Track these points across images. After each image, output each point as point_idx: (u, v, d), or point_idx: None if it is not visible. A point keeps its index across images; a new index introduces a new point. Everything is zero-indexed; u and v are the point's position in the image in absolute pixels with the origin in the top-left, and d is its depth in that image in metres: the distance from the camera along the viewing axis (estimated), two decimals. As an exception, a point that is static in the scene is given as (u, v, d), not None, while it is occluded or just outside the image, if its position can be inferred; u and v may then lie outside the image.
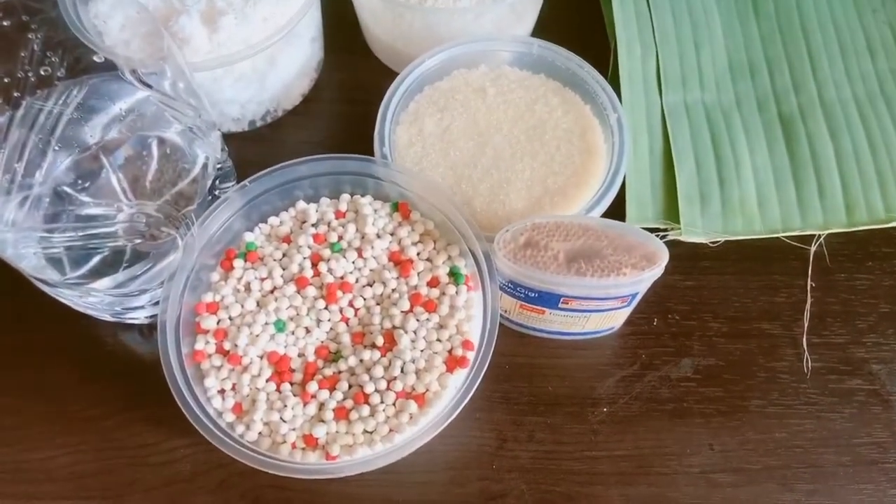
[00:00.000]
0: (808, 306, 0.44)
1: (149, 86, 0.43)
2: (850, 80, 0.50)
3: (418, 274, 0.38)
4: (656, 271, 0.36)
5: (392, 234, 0.40)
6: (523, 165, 0.44)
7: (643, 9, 0.52)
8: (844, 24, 0.52)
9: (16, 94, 0.39)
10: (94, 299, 0.42)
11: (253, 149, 0.50)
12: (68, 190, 0.44)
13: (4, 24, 0.36)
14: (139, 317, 0.44)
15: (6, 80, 0.38)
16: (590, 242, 0.37)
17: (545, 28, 0.53)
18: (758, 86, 0.50)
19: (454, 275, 0.38)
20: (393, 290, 0.38)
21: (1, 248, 0.41)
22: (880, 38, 0.51)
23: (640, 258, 0.37)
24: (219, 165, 0.45)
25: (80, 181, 0.44)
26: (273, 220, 0.41)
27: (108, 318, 0.44)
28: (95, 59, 0.40)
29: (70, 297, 0.42)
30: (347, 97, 0.53)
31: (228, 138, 0.50)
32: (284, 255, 0.39)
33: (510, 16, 0.50)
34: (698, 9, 0.52)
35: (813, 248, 0.45)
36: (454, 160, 0.44)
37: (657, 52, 0.50)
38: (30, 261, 0.42)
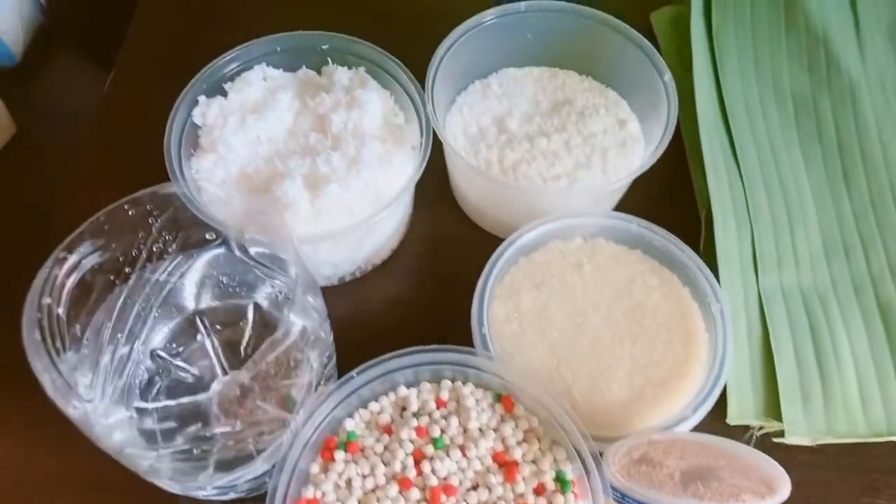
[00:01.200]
0: (911, 511, 0.43)
1: (247, 252, 0.43)
2: None
3: (524, 479, 0.37)
4: (777, 500, 0.35)
5: (495, 431, 0.39)
6: (623, 351, 0.43)
7: (736, 182, 0.52)
8: None
9: (127, 270, 0.39)
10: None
11: (341, 303, 0.50)
12: (164, 354, 0.43)
13: (130, 213, 0.36)
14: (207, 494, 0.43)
15: (121, 259, 0.38)
16: (707, 462, 0.36)
17: (633, 195, 0.53)
18: (853, 267, 0.49)
19: (561, 481, 0.37)
20: (498, 498, 0.37)
21: (93, 419, 0.40)
22: None
23: (759, 482, 0.36)
24: (312, 336, 0.45)
25: (175, 346, 0.44)
26: (373, 405, 0.40)
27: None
28: (207, 236, 0.40)
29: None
30: (434, 251, 0.53)
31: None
32: (386, 448, 0.39)
33: (603, 188, 0.50)
34: (790, 182, 0.52)
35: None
36: (552, 341, 0.44)
37: (752, 230, 0.50)
38: (123, 431, 0.41)
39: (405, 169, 0.48)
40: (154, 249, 0.39)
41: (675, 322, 0.45)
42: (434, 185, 0.53)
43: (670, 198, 0.54)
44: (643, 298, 0.45)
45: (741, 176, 0.52)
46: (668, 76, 0.49)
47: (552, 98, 0.54)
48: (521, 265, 0.47)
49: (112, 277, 0.38)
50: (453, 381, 0.41)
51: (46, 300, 0.33)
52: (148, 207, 0.37)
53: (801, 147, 0.54)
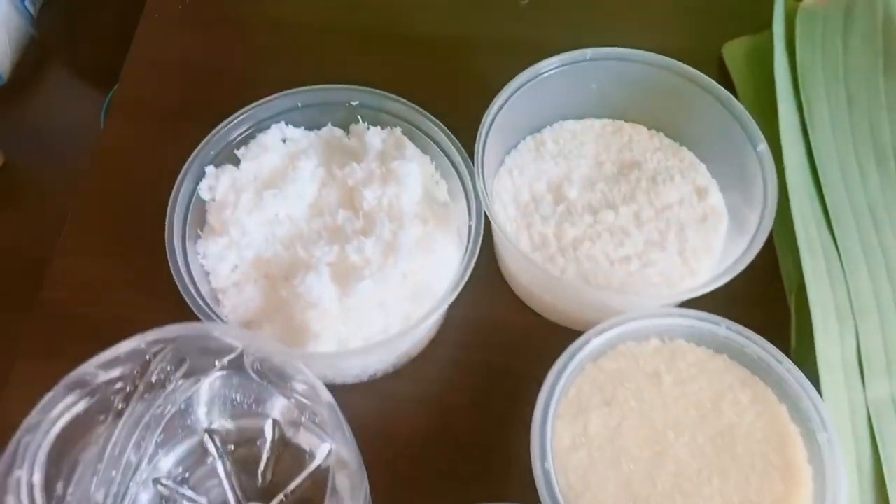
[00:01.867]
0: None
1: (262, 372, 0.36)
2: None
3: None
4: None
5: None
6: (712, 489, 0.37)
7: (835, 264, 0.44)
8: None
9: (119, 406, 0.32)
10: None
11: (367, 404, 0.43)
12: (167, 483, 0.37)
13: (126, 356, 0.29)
14: None
15: (112, 398, 0.31)
16: None
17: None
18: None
19: None
20: None
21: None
22: None
23: None
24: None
25: (182, 470, 0.37)
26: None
27: None
28: (217, 363, 0.33)
29: None
30: (478, 341, 0.46)
31: (342, 390, 0.43)
32: None
33: (680, 268, 0.43)
34: (894, 253, 0.45)
35: None
36: (628, 475, 0.37)
37: (856, 326, 0.43)
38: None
39: (450, 255, 0.41)
40: (154, 380, 0.32)
41: (771, 450, 0.38)
42: (479, 263, 0.45)
43: (749, 286, 0.46)
44: (734, 420, 0.38)
45: (839, 256, 0.45)
46: (763, 146, 0.42)
47: (618, 158, 0.47)
48: (589, 374, 0.40)
49: (102, 417, 0.32)
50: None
51: (17, 474, 0.27)
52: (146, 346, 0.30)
53: (908, 216, 0.47)
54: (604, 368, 0.40)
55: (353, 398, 0.43)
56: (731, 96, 0.43)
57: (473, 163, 0.41)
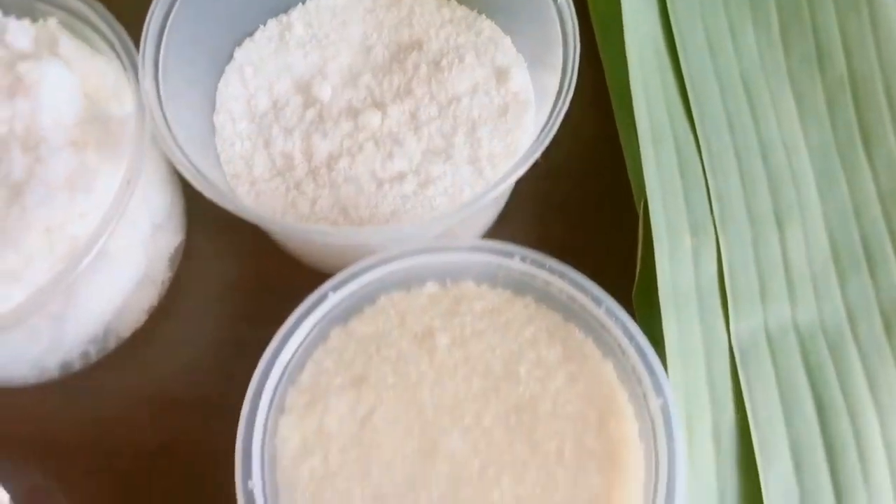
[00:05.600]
0: None
1: None
2: None
3: None
4: None
5: None
6: (502, 494, 0.26)
7: (691, 157, 0.33)
8: None
9: None
10: None
11: (62, 414, 0.32)
12: None
13: None
14: None
15: None
16: None
17: (531, 196, 0.35)
18: (881, 284, 0.32)
19: None
20: None
21: None
22: None
23: None
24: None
25: None
26: None
27: None
28: None
29: None
30: (224, 305, 0.34)
31: (17, 398, 0.32)
32: None
33: (472, 181, 0.32)
34: (776, 150, 0.34)
35: None
36: (379, 487, 0.26)
37: (717, 241, 0.32)
38: None
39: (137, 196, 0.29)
40: None
41: (588, 428, 0.27)
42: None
43: (592, 196, 0.36)
44: (536, 389, 0.28)
45: (699, 147, 0.34)
46: (570, 8, 0.30)
47: (392, 39, 0.35)
48: (333, 344, 0.29)
49: None
50: None
51: None
52: None
53: (793, 86, 0.36)
54: (354, 333, 0.29)
55: (32, 399, 0.32)
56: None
57: (138, 55, 0.29)
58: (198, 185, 0.28)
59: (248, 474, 0.26)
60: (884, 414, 0.29)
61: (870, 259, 0.32)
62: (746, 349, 0.30)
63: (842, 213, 0.33)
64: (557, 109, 0.29)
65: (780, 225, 0.33)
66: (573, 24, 0.30)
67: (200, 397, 0.32)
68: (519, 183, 0.32)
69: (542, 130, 0.28)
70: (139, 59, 0.29)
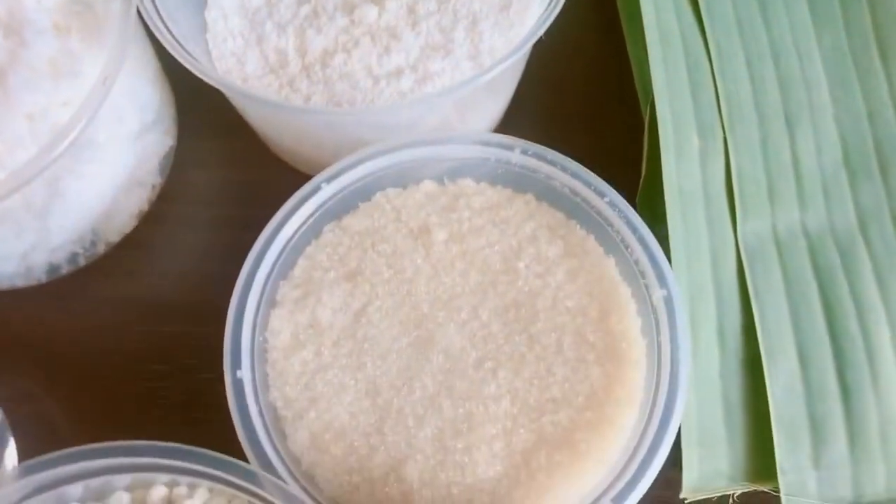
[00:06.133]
0: None
1: None
2: None
3: None
4: None
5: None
6: (498, 387, 0.26)
7: (700, 60, 0.32)
8: None
9: None
10: None
11: (51, 320, 0.32)
12: None
13: None
14: None
15: None
16: None
17: (535, 103, 0.34)
18: (894, 188, 0.30)
19: None
20: None
21: None
22: None
23: None
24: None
25: None
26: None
27: None
28: None
29: None
30: (216, 214, 0.33)
31: (5, 302, 0.32)
32: None
33: (478, 96, 0.30)
34: (789, 56, 0.33)
35: None
36: (372, 380, 0.26)
37: (726, 143, 0.31)
38: None
39: (125, 84, 0.28)
40: None
41: (589, 325, 0.26)
42: (216, 104, 0.32)
43: (600, 101, 0.35)
44: (535, 284, 0.27)
45: (708, 50, 0.32)
46: None
47: (392, -66, 0.34)
48: (326, 239, 0.28)
49: None
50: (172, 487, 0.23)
51: None
52: None
53: (809, -5, 0.34)
54: (348, 229, 0.28)
55: (21, 304, 0.32)
56: None
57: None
58: (182, 58, 0.28)
59: (237, 364, 0.25)
60: (893, 315, 0.28)
61: (882, 163, 0.31)
62: (754, 251, 0.29)
63: (854, 117, 0.32)
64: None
65: (790, 128, 0.31)
66: None
67: (192, 302, 0.32)
68: (525, 89, 0.31)
69: (541, 16, 0.27)
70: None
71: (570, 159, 0.27)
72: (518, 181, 0.28)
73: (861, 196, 0.31)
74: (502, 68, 0.27)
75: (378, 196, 0.29)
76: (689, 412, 0.26)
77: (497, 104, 0.32)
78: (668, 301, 0.25)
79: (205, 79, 0.28)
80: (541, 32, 0.27)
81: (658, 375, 0.25)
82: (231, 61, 0.32)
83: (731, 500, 0.27)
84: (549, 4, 0.27)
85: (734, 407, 0.27)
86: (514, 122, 0.34)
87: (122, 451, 0.21)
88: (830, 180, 0.31)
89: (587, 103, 0.35)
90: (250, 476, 0.21)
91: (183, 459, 0.21)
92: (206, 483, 0.22)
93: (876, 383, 0.27)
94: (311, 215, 0.27)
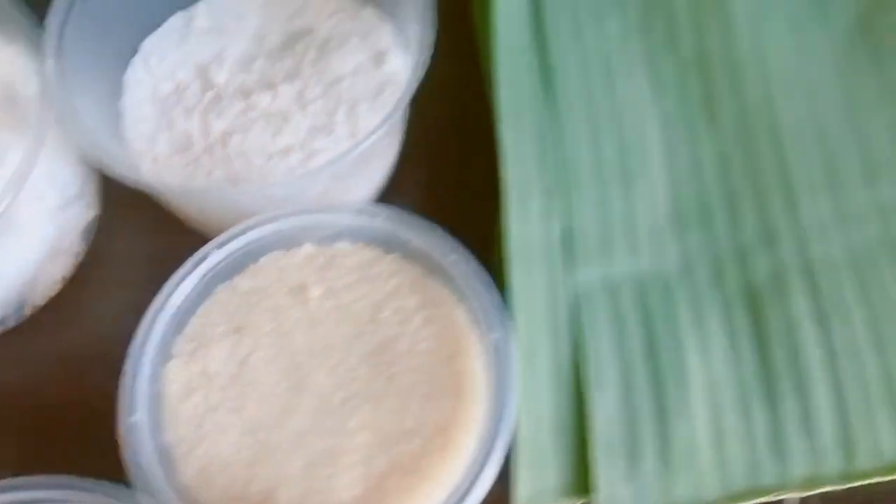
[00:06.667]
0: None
1: None
2: (842, 224, 0.36)
3: None
4: None
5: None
6: (359, 422, 0.30)
7: (551, 129, 0.37)
8: (832, 129, 0.38)
9: None
10: None
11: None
12: None
13: None
14: None
15: None
16: None
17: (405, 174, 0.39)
18: (714, 239, 0.36)
19: None
20: None
21: None
22: (883, 147, 0.37)
23: None
24: None
25: None
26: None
27: None
28: None
29: None
30: (133, 277, 0.38)
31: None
32: None
33: (353, 167, 0.35)
34: (629, 120, 0.38)
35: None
36: (253, 420, 0.30)
37: (568, 201, 0.36)
38: None
39: (43, 171, 0.33)
40: None
41: (439, 365, 0.31)
42: None
43: (470, 165, 0.39)
44: (395, 331, 0.32)
45: (557, 118, 0.37)
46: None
47: (286, 28, 0.39)
48: (218, 298, 0.33)
49: None
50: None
51: None
52: None
53: (651, 67, 0.39)
54: (237, 289, 0.33)
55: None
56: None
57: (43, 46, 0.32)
58: (94, 155, 0.32)
59: (131, 411, 0.29)
60: (706, 349, 0.33)
61: (705, 216, 0.36)
62: (587, 295, 0.34)
63: (684, 175, 0.37)
64: (409, 84, 0.32)
65: (626, 185, 0.36)
66: (432, 8, 0.34)
67: (112, 356, 0.36)
68: (405, 160, 0.36)
69: (397, 102, 0.32)
70: (44, 46, 0.33)
71: (426, 223, 0.32)
72: (386, 243, 0.33)
73: (686, 245, 0.36)
74: (370, 142, 0.32)
75: (264, 259, 0.33)
76: (522, 436, 0.31)
77: (375, 175, 0.37)
78: (501, 343, 0.30)
79: (111, 174, 0.32)
80: (400, 108, 0.32)
81: (494, 407, 0.30)
82: (143, 142, 0.37)
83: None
84: (404, 93, 0.32)
85: (564, 431, 0.32)
86: (397, 189, 0.39)
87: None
88: (659, 232, 0.36)
89: (459, 168, 0.40)
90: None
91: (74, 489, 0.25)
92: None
93: (686, 407, 0.32)
94: (203, 277, 0.32)
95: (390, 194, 0.39)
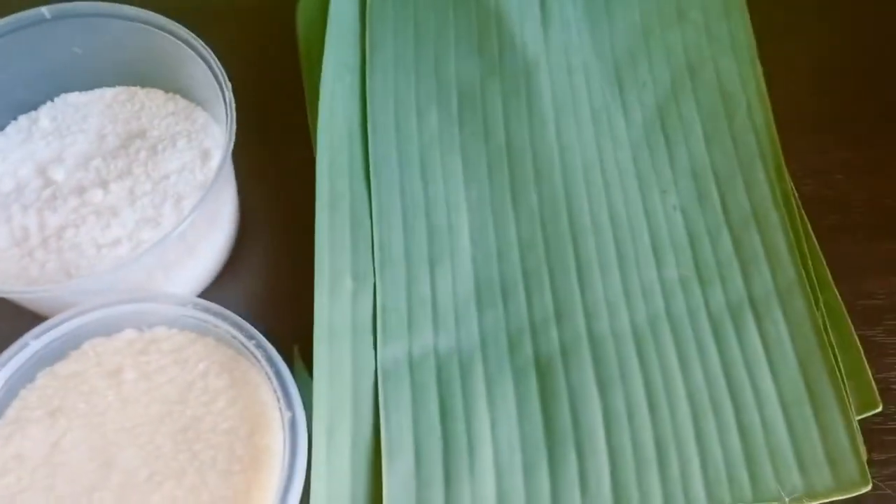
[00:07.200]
0: None
1: None
2: (627, 301, 0.40)
3: None
4: None
5: None
6: (162, 496, 0.33)
7: (363, 219, 0.41)
8: (624, 214, 0.42)
9: None
10: None
11: None
12: None
13: None
14: None
15: None
16: None
17: (240, 259, 0.43)
18: (511, 314, 0.40)
19: None
20: None
21: None
22: (669, 231, 0.42)
23: None
24: None
25: None
26: None
27: None
28: None
29: None
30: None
31: None
32: None
33: (177, 254, 0.38)
34: (439, 208, 0.42)
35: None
36: (62, 497, 0.33)
37: (376, 284, 0.39)
38: None
39: None
40: None
41: (239, 440, 0.34)
42: None
43: (290, 251, 0.43)
44: (201, 411, 0.35)
45: (370, 209, 0.41)
46: (229, 94, 0.38)
47: (124, 129, 0.42)
48: (39, 384, 0.35)
49: None
50: None
51: None
52: None
53: (463, 157, 0.44)
54: (58, 374, 0.35)
55: None
56: (197, 39, 0.39)
57: None
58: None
59: (-61, 493, 0.32)
60: (495, 417, 0.37)
61: (504, 293, 0.40)
62: (389, 370, 0.38)
63: (487, 256, 0.41)
64: (209, 193, 0.36)
65: (432, 267, 0.40)
66: (232, 120, 0.37)
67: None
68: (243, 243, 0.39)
69: (207, 192, 0.36)
70: None
71: (228, 312, 0.35)
72: (200, 328, 0.36)
73: (485, 320, 0.39)
74: (183, 227, 0.35)
75: (86, 344, 0.36)
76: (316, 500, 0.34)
77: (199, 264, 0.40)
78: (293, 421, 0.33)
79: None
80: (211, 200, 0.36)
81: (286, 476, 0.33)
82: (-18, 236, 0.40)
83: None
84: (198, 200, 0.36)
85: (359, 498, 0.35)
86: (232, 271, 0.43)
87: None
88: (461, 308, 0.40)
89: (285, 250, 0.43)
90: None
91: None
92: None
93: (473, 471, 0.35)
94: (23, 365, 0.34)
95: (224, 278, 0.42)
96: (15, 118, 0.42)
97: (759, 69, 0.46)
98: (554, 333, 0.39)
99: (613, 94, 0.46)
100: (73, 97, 0.43)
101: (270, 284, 0.42)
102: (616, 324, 0.39)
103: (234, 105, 0.37)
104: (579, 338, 0.39)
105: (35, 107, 0.43)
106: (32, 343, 0.34)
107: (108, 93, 0.43)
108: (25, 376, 0.35)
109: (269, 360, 0.34)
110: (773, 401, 0.37)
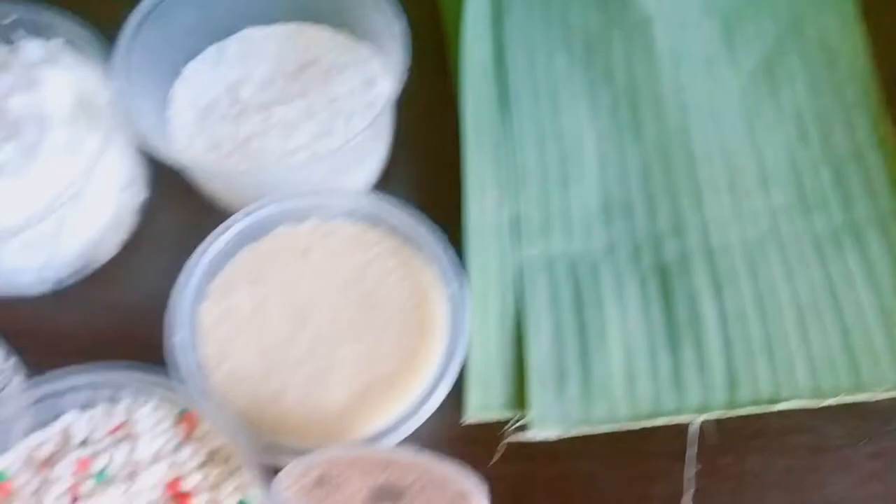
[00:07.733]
0: (687, 499, 0.39)
1: None
2: (738, 222, 0.45)
3: (197, 510, 0.33)
4: (470, 515, 0.31)
5: (174, 453, 0.35)
6: (347, 350, 0.39)
7: (505, 140, 0.47)
8: (733, 148, 0.48)
9: None
10: None
11: (57, 316, 0.45)
12: None
13: None
14: None
15: None
16: (396, 479, 0.32)
17: (396, 168, 0.49)
18: (636, 228, 0.45)
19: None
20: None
21: None
22: (775, 164, 0.47)
23: (454, 497, 0.32)
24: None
25: None
26: (37, 435, 0.36)
27: None
28: None
29: None
30: (175, 243, 0.47)
31: (25, 303, 0.45)
32: (40, 487, 0.34)
33: (348, 161, 0.45)
34: (570, 136, 0.48)
35: (695, 425, 0.40)
36: (267, 344, 0.40)
37: (517, 195, 0.45)
38: None
39: (111, 159, 0.43)
40: None
41: (409, 309, 0.40)
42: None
43: (446, 162, 0.50)
44: (377, 285, 0.41)
45: (510, 132, 0.48)
46: (399, 27, 0.44)
47: (299, 59, 0.49)
48: (243, 257, 0.42)
49: None
50: (135, 399, 0.37)
51: None
52: None
53: (590, 94, 0.50)
54: (256, 250, 0.42)
55: (37, 309, 0.45)
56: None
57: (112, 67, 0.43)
58: (148, 145, 0.42)
59: (174, 333, 0.38)
60: (623, 309, 0.43)
61: (629, 210, 0.46)
62: (530, 265, 0.44)
63: (613, 178, 0.47)
64: (389, 101, 0.43)
65: (564, 185, 0.46)
66: (405, 48, 0.44)
67: (153, 305, 0.44)
68: (395, 155, 0.46)
69: (378, 113, 0.43)
70: (114, 68, 0.43)
71: (401, 204, 0.42)
72: (373, 220, 0.43)
73: (611, 231, 0.45)
74: (356, 141, 0.42)
75: (279, 228, 0.43)
76: (474, 365, 0.40)
77: (368, 168, 0.47)
78: (458, 294, 0.40)
79: (164, 160, 0.42)
80: (383, 117, 0.42)
81: (450, 343, 0.39)
82: (184, 142, 0.47)
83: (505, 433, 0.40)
84: (385, 103, 0.43)
85: (507, 364, 0.41)
86: (389, 179, 0.49)
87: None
88: (591, 220, 0.45)
89: (437, 164, 0.49)
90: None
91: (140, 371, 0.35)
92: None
93: (604, 351, 0.41)
94: (231, 240, 0.41)
95: (384, 183, 0.49)
96: (209, 46, 0.50)
97: (861, 27, 0.51)
98: (673, 245, 0.45)
99: (723, 47, 0.52)
100: (255, 31, 0.50)
101: (424, 187, 0.48)
102: (727, 240, 0.45)
103: (408, 35, 0.44)
104: (695, 250, 0.45)
105: (223, 38, 0.50)
106: (241, 220, 0.41)
107: (284, 28, 0.50)
108: (231, 250, 0.42)
109: (434, 245, 0.41)
110: (873, 308, 0.42)
